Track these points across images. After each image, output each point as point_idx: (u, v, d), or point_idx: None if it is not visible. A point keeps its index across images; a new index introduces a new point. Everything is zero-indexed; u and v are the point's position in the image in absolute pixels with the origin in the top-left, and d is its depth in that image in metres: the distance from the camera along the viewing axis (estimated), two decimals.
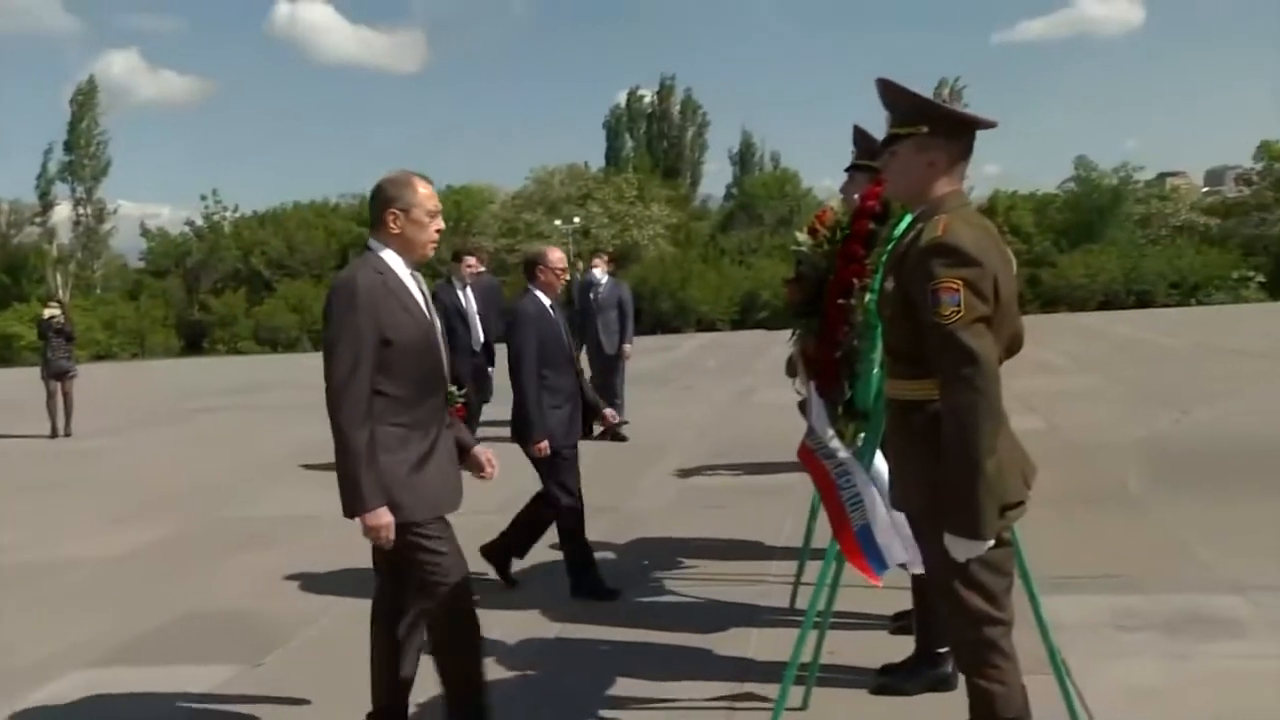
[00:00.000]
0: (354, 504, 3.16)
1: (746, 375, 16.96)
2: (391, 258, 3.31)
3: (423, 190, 3.33)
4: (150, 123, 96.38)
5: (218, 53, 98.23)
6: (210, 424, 14.83)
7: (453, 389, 9.73)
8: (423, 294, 3.38)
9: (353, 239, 54.62)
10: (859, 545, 3.00)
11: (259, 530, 7.35)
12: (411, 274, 3.36)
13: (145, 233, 55.63)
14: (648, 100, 62.43)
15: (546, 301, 5.34)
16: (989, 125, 2.68)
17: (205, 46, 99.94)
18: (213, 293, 50.79)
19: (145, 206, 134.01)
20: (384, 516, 3.16)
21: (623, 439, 10.19)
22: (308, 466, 9.88)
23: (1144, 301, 40.86)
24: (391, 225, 3.29)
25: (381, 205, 3.31)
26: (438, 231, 3.36)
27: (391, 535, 3.18)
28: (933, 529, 2.55)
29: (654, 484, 8.20)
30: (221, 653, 4.80)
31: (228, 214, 55.31)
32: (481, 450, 3.66)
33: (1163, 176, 62.08)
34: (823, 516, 4.62)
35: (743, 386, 15.13)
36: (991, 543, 2.48)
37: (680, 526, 6.63)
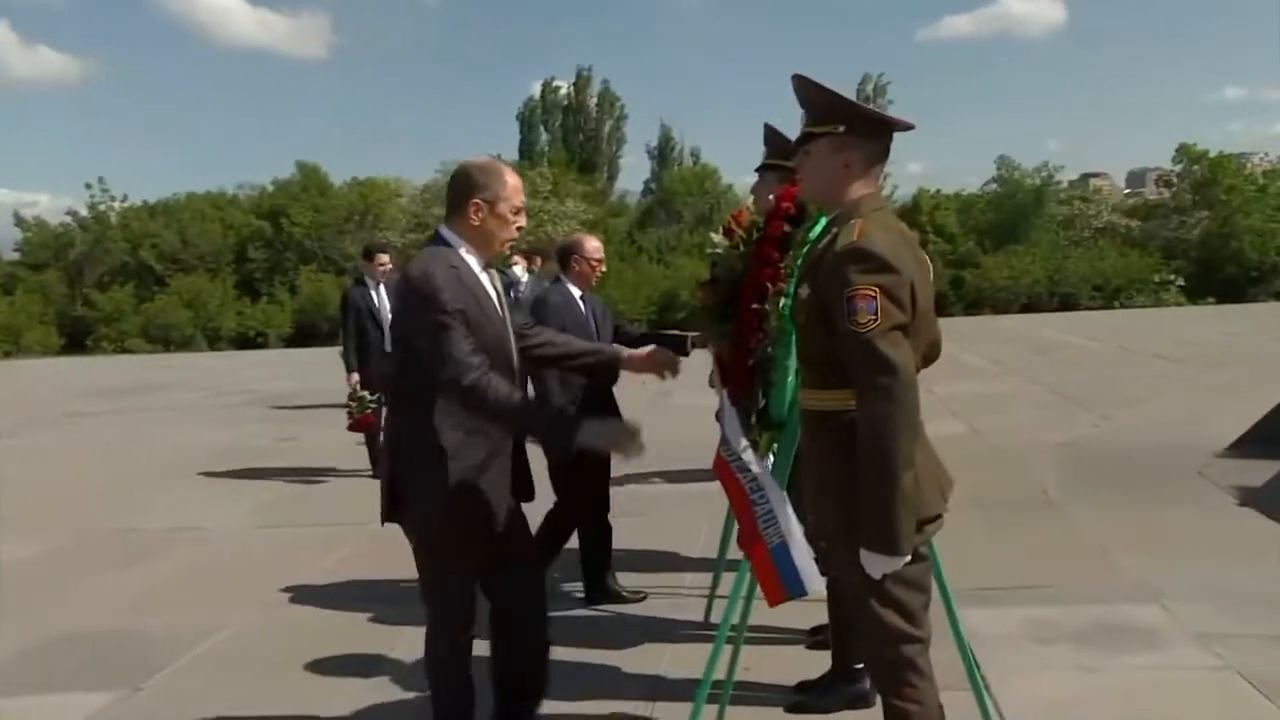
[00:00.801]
0: (556, 440, 3.19)
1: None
2: (467, 251, 3.22)
3: (512, 183, 3.24)
4: (25, 103, 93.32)
5: (101, 29, 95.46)
6: (94, 428, 14.36)
7: (364, 394, 9.41)
8: (496, 292, 3.29)
9: (251, 233, 53.62)
10: (773, 564, 2.99)
11: (145, 543, 7.13)
12: (485, 269, 3.27)
13: (20, 222, 53.76)
14: (563, 92, 62.17)
15: (576, 293, 5.22)
16: (906, 127, 2.70)
17: (86, 22, 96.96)
18: (98, 287, 49.35)
19: (20, 194, 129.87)
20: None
21: None
22: (205, 474, 9.65)
23: (1067, 304, 41.90)
24: (473, 216, 3.20)
25: (465, 192, 3.21)
26: (518, 229, 3.28)
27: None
28: (848, 544, 2.55)
29: None
30: (96, 678, 4.62)
31: (115, 204, 53.70)
32: (632, 353, 3.59)
33: (1085, 177, 63.70)
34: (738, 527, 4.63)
35: (661, 389, 15.12)
36: (908, 558, 2.49)
37: None
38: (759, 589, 3.41)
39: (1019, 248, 46.51)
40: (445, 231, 3.25)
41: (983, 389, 13.02)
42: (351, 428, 8.93)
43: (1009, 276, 43.67)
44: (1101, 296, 42.65)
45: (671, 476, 8.43)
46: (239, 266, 53.41)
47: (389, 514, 3.25)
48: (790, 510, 3.09)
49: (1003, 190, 52.47)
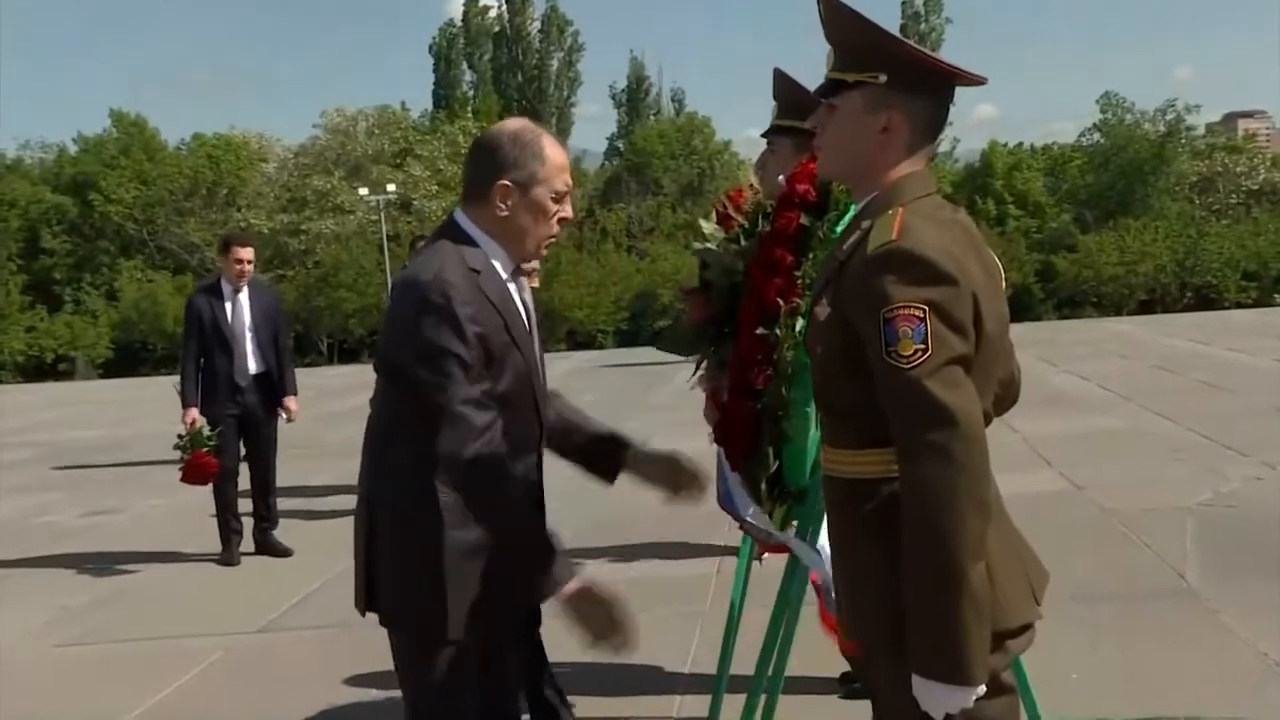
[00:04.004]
0: (549, 582, 3.15)
1: (639, 414, 16.94)
2: (492, 249, 3.27)
3: (554, 158, 3.27)
4: None
5: None
6: None
7: (201, 429, 9.37)
8: (526, 308, 3.37)
9: (44, 211, 53.34)
10: None
11: None
12: (514, 276, 3.33)
13: None
14: (494, 14, 62.58)
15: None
16: (975, 81, 2.69)
17: None
18: None
19: None
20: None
21: None
22: None
23: (1206, 299, 42.10)
24: (499, 204, 3.24)
25: (491, 170, 3.26)
26: (561, 222, 3.32)
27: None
28: (893, 667, 2.52)
29: None
30: None
31: None
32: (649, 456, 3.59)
33: (1231, 119, 64.14)
34: (747, 632, 4.63)
35: (634, 431, 14.93)
36: (983, 689, 2.45)
37: None
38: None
39: (1134, 221, 46.78)
40: (463, 220, 3.30)
41: (1086, 425, 13.06)
42: (185, 477, 8.90)
43: (1120, 263, 43.95)
44: (1257, 288, 42.89)
45: (648, 554, 8.41)
46: (28, 262, 53.12)
47: (368, 600, 3.31)
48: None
49: (1109, 142, 52.83)
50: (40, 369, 46.79)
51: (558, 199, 3.28)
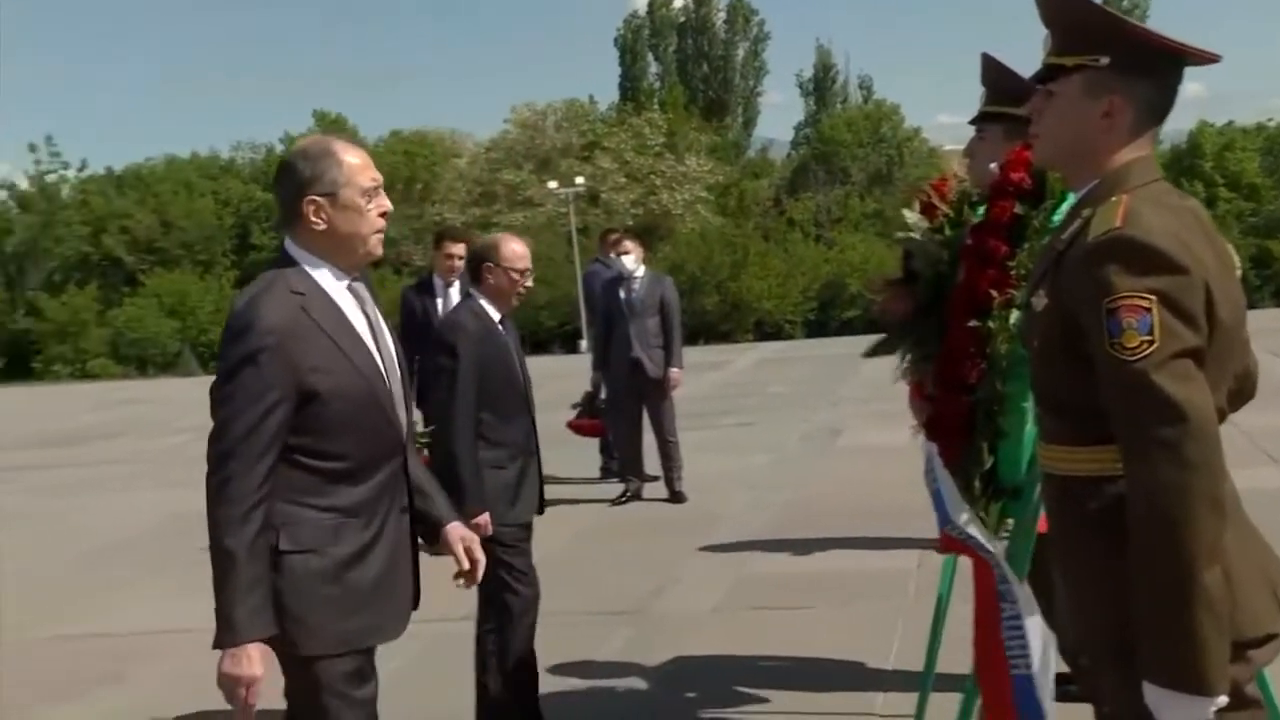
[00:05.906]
0: (221, 632, 3.11)
1: (829, 405, 16.84)
2: (317, 267, 3.34)
3: (351, 159, 3.35)
4: None
5: None
6: (31, 490, 14.68)
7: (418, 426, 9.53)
8: (367, 316, 3.41)
9: (255, 209, 55.13)
10: (1014, 703, 2.94)
11: (100, 656, 7.21)
12: (350, 285, 3.39)
13: None
14: (679, 5, 62.73)
15: (495, 315, 5.39)
16: (1206, 59, 2.61)
17: None
18: (47, 289, 50.90)
19: None
20: (251, 663, 3.08)
21: (680, 498, 10.63)
22: (194, 555, 9.75)
23: None
24: (312, 219, 3.30)
25: (294, 192, 3.32)
26: (382, 215, 3.39)
27: (252, 696, 3.12)
28: (1121, 672, 2.45)
29: (696, 573, 8.11)
30: None
31: (69, 173, 55.63)
32: (456, 530, 3.71)
33: None
34: (954, 628, 4.55)
35: (824, 423, 15.02)
36: (1224, 699, 2.37)
37: (736, 639, 6.56)
38: None
39: None
40: (289, 245, 3.39)
41: None
42: None
43: None
44: None
45: (844, 546, 8.34)
46: (240, 257, 54.89)
47: None
48: (1039, 619, 3.02)
49: None
50: None
51: (366, 195, 3.33)
